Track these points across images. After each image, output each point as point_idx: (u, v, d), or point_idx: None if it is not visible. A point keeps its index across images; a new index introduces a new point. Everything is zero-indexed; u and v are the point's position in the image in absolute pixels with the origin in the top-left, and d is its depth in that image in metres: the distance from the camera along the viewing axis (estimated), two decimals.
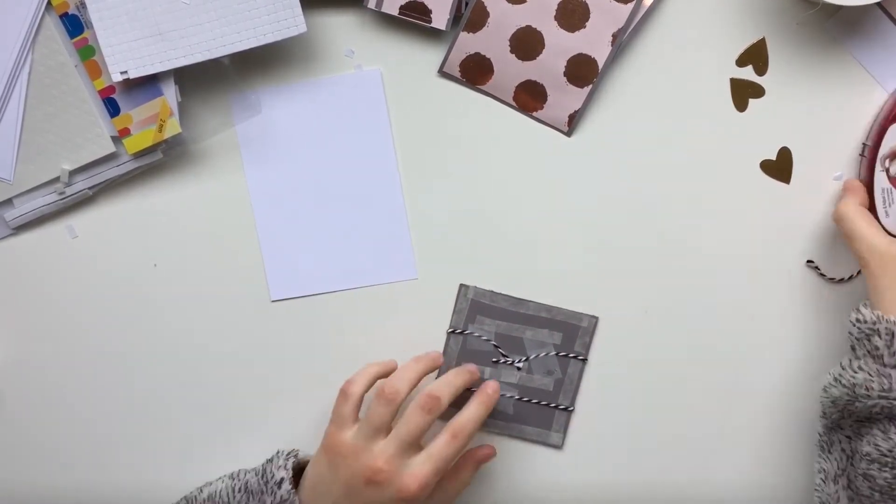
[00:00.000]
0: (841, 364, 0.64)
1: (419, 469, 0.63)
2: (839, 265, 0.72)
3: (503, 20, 0.69)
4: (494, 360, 0.72)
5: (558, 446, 0.73)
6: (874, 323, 0.62)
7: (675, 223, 0.72)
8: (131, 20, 0.67)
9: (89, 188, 0.71)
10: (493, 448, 0.70)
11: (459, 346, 0.72)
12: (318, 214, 0.73)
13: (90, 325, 0.73)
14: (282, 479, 0.65)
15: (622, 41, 0.69)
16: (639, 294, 0.72)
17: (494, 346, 0.72)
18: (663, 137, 0.71)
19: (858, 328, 0.63)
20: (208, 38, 0.67)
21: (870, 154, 0.69)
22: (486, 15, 0.70)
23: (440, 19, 0.69)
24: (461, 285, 0.72)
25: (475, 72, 0.71)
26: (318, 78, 0.72)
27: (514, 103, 0.71)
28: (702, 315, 0.72)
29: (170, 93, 0.68)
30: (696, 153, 0.71)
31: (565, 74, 0.70)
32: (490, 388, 0.67)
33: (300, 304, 0.73)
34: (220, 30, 0.67)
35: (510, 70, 0.70)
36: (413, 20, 0.70)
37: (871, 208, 0.68)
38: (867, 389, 0.61)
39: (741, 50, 0.71)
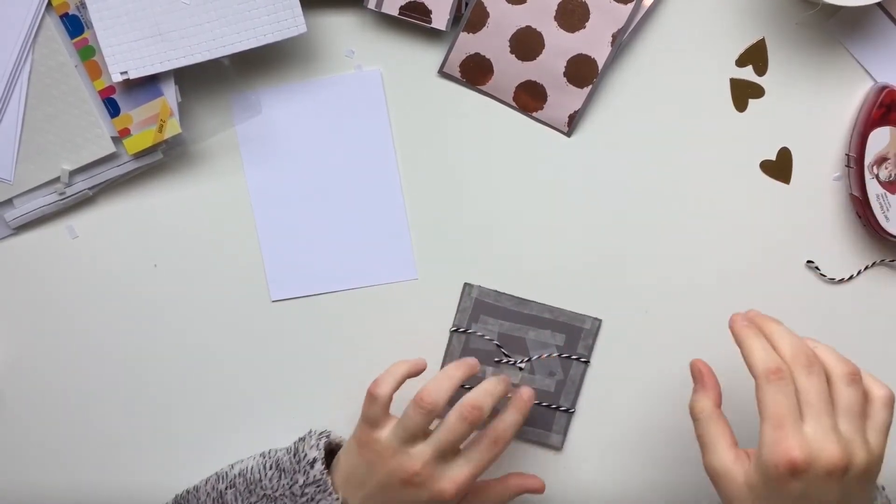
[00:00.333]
0: None
1: (458, 473, 0.63)
2: (839, 265, 0.72)
3: (503, 20, 0.69)
4: (497, 359, 0.72)
5: (558, 448, 0.73)
6: None
7: (675, 223, 0.72)
8: (131, 20, 0.67)
9: (89, 188, 0.71)
10: (542, 484, 0.68)
11: (462, 345, 0.72)
12: (318, 214, 0.73)
13: (90, 325, 0.73)
14: (314, 460, 0.65)
15: (622, 41, 0.69)
16: (639, 295, 0.72)
17: (497, 345, 0.72)
18: (663, 137, 0.71)
19: None
20: (208, 39, 0.67)
21: (856, 164, 0.69)
22: (486, 15, 0.70)
23: (440, 20, 0.69)
24: (465, 284, 0.72)
25: (475, 72, 0.71)
26: (318, 78, 0.72)
27: (514, 103, 0.71)
28: (702, 315, 0.72)
29: (170, 93, 0.68)
30: (696, 153, 0.71)
31: (565, 75, 0.70)
32: (525, 395, 0.66)
33: (300, 304, 0.73)
34: (220, 30, 0.67)
35: (510, 70, 0.70)
36: (413, 20, 0.70)
37: (869, 216, 0.69)
38: None
39: (741, 50, 0.71)
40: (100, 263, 0.73)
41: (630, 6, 0.68)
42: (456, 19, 0.70)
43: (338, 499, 0.64)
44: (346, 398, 0.71)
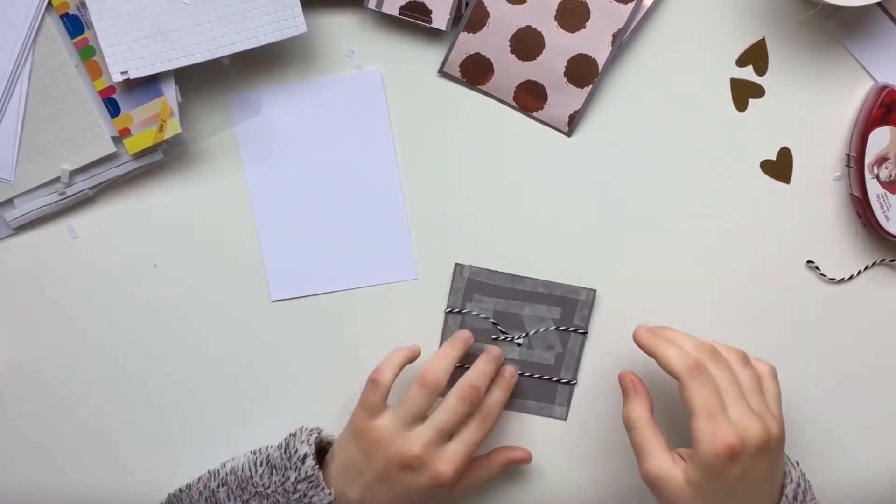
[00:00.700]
0: None
1: (454, 454, 0.65)
2: (839, 265, 0.72)
3: (503, 20, 0.69)
4: (494, 337, 0.72)
5: (563, 419, 0.73)
6: None
7: (675, 223, 0.72)
8: (131, 20, 0.67)
9: (90, 188, 0.71)
10: (529, 454, 0.71)
11: (458, 325, 0.72)
12: (318, 214, 0.73)
13: (90, 325, 0.73)
14: (305, 455, 0.65)
15: (622, 41, 0.69)
16: (639, 296, 0.72)
17: (493, 323, 0.72)
18: (663, 137, 0.71)
19: None
20: (208, 39, 0.67)
21: (856, 164, 0.69)
22: (487, 15, 0.70)
23: (440, 19, 0.69)
24: (456, 265, 0.72)
25: (475, 72, 0.71)
26: (318, 78, 0.72)
27: (514, 103, 0.71)
28: (702, 316, 0.72)
29: (170, 93, 0.68)
30: (697, 153, 0.71)
31: (565, 74, 0.70)
32: (508, 374, 0.70)
33: (300, 304, 0.73)
34: (220, 30, 0.67)
35: (510, 70, 0.70)
36: (413, 20, 0.70)
37: (869, 215, 0.69)
38: None
39: (741, 50, 0.71)
40: (100, 263, 0.73)
41: (630, 6, 0.68)
42: (456, 19, 0.70)
43: (330, 493, 0.64)
44: (346, 398, 0.70)
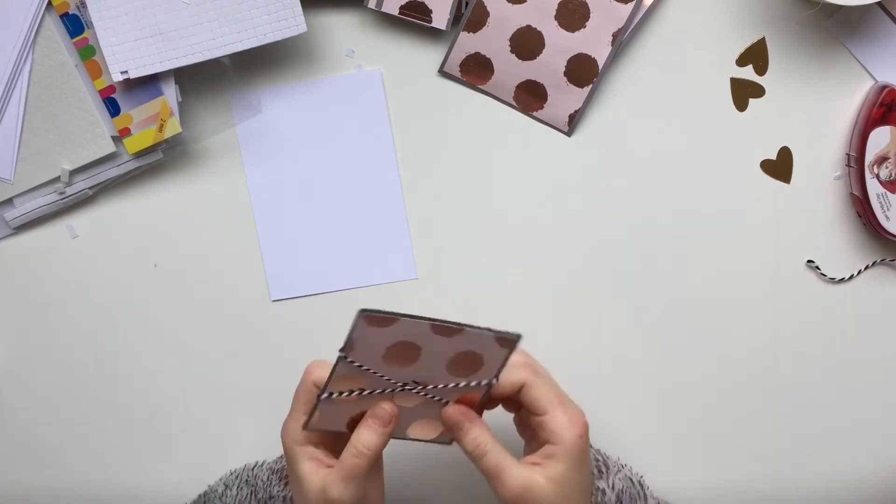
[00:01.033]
0: None
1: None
2: (839, 265, 0.72)
3: (503, 20, 0.69)
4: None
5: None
6: None
7: (675, 223, 0.72)
8: (131, 20, 0.67)
9: (89, 188, 0.71)
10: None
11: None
12: (318, 214, 0.73)
13: (90, 325, 0.73)
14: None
15: (622, 41, 0.69)
16: (638, 294, 0.72)
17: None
18: (663, 137, 0.71)
19: None
20: (208, 38, 0.67)
21: (856, 163, 0.69)
22: (487, 15, 0.70)
23: (440, 19, 0.69)
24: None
25: (475, 72, 0.71)
26: (318, 78, 0.72)
27: (514, 103, 0.71)
28: (701, 316, 0.72)
29: (170, 93, 0.68)
30: (697, 153, 0.71)
31: (565, 74, 0.70)
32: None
33: (300, 304, 0.73)
34: (220, 30, 0.67)
35: (510, 70, 0.70)
36: (413, 20, 0.70)
37: (869, 215, 0.69)
38: None
39: (741, 50, 0.71)
40: (100, 263, 0.73)
41: (630, 6, 0.68)
42: (456, 19, 0.70)
43: None
44: None
